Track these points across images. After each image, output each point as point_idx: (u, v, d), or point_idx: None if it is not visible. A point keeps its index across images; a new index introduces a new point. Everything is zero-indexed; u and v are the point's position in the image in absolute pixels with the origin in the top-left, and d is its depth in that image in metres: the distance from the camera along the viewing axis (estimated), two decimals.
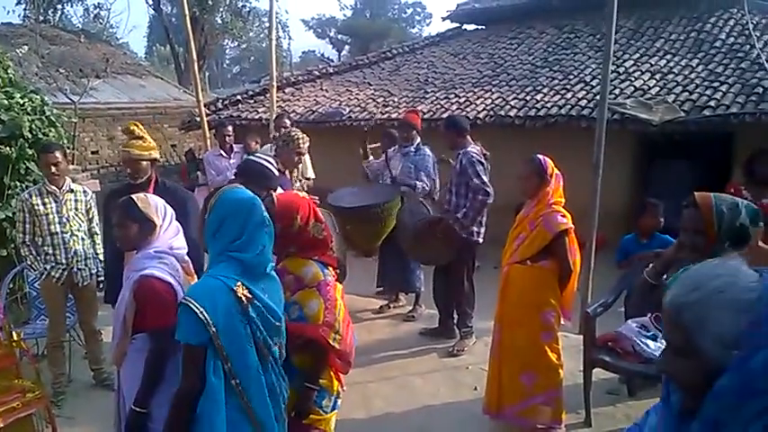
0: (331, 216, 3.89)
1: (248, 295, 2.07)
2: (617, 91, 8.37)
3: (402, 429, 3.92)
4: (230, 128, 6.67)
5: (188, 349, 2.04)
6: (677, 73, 8.73)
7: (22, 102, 5.57)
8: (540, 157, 3.59)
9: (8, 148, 5.21)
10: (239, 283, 2.07)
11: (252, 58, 44.70)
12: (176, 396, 2.06)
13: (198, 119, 9.38)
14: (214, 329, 1.98)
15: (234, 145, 6.55)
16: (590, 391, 3.81)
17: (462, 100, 9.85)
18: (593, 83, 8.89)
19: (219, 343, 2.00)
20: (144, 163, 3.67)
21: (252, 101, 12.26)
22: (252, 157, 3.73)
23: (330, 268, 2.64)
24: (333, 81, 13.01)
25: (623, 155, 8.35)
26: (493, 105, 9.25)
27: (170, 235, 2.58)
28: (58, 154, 4.27)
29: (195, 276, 2.66)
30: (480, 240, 4.87)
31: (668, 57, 9.39)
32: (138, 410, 2.33)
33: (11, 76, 5.93)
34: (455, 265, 4.90)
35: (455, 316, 5.14)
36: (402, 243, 5.05)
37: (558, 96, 8.86)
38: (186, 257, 2.63)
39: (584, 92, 8.79)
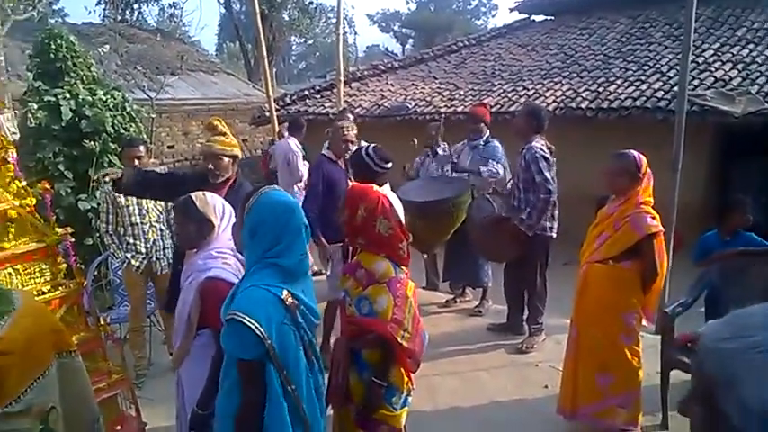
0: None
1: (295, 302, 2.01)
2: (696, 82, 8.03)
3: (469, 423, 3.90)
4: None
5: (244, 365, 1.94)
6: (761, 63, 8.31)
7: (104, 98, 5.85)
8: (635, 153, 3.38)
9: (92, 143, 5.49)
10: (285, 291, 1.99)
11: (317, 53, 45.32)
12: (239, 413, 1.97)
13: (267, 114, 9.60)
14: (269, 342, 1.90)
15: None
16: (668, 392, 3.67)
17: (531, 92, 9.67)
18: (670, 73, 8.56)
19: (275, 353, 1.92)
20: (225, 159, 3.48)
21: (319, 96, 12.47)
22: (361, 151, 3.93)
23: (403, 267, 2.62)
24: (398, 75, 13.04)
25: (701, 149, 7.99)
26: (563, 98, 9.05)
27: (229, 234, 2.49)
28: (141, 148, 4.50)
29: None
30: (554, 235, 4.73)
31: (750, 46, 8.94)
32: (201, 412, 2.30)
33: (94, 73, 6.22)
34: (528, 260, 4.76)
35: (525, 312, 5.06)
36: (470, 238, 5.01)
37: (633, 88, 8.57)
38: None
39: (660, 83, 8.47)
